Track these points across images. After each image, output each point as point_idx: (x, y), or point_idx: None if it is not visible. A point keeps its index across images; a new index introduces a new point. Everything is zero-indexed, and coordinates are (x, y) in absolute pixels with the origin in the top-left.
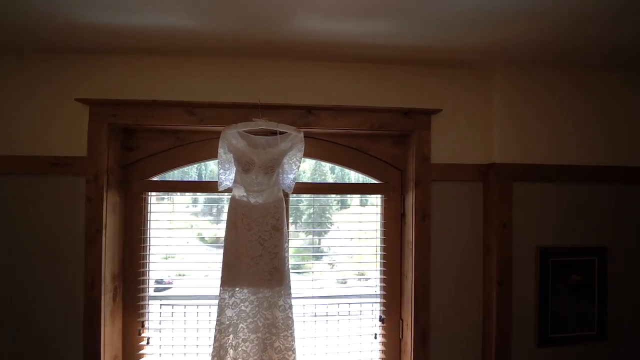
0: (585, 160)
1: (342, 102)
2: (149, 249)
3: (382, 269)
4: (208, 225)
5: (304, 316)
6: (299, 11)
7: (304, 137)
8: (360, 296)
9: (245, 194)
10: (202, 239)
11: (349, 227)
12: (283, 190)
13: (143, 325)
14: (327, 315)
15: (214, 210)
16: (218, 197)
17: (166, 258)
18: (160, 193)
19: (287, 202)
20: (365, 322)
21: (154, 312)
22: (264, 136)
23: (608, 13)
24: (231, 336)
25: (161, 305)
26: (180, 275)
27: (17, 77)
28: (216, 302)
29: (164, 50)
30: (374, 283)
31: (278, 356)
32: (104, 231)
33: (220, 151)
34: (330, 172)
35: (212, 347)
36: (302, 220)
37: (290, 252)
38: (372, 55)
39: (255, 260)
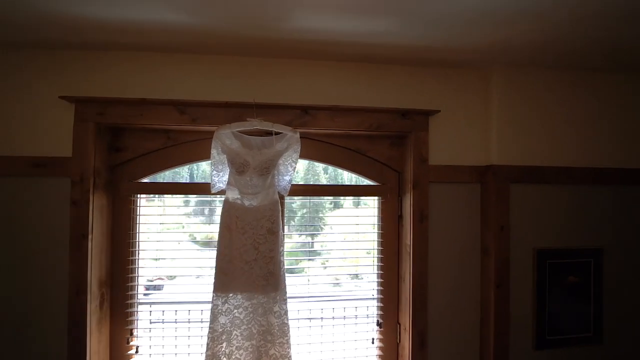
0: (583, 161)
1: (340, 102)
2: (138, 254)
3: (379, 272)
4: (200, 226)
5: (298, 321)
6: (298, 8)
7: (300, 137)
8: (357, 299)
9: (239, 196)
10: (194, 240)
11: (346, 230)
12: (278, 193)
13: (132, 334)
14: (322, 319)
15: (206, 211)
16: (211, 198)
17: (157, 260)
18: (150, 195)
19: (282, 204)
20: (363, 326)
21: (144, 320)
22: (258, 137)
23: (609, 14)
24: (224, 344)
25: (151, 312)
26: (171, 278)
27: None
28: (209, 306)
29: (155, 46)
30: (371, 286)
31: None
32: (90, 236)
33: (214, 152)
34: (324, 173)
35: (204, 355)
36: (295, 221)
37: (285, 254)
38: (371, 55)
39: (250, 265)
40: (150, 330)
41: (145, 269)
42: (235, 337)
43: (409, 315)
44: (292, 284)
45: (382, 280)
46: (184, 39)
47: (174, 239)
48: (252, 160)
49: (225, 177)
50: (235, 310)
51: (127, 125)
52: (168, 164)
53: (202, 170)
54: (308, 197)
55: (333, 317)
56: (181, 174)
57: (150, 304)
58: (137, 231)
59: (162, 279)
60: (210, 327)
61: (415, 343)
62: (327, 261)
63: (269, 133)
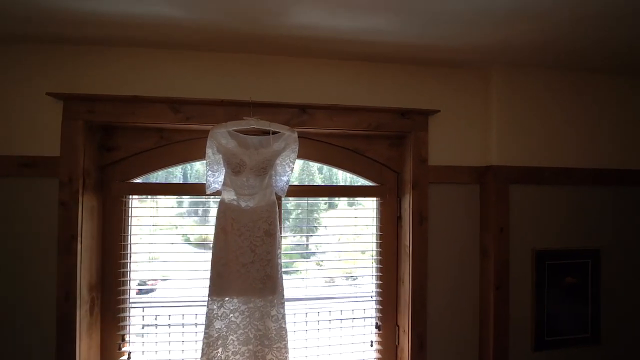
0: (582, 162)
1: (338, 101)
2: (130, 257)
3: (378, 274)
4: (194, 226)
5: (295, 324)
6: (297, 4)
7: (298, 137)
8: (355, 301)
9: (235, 197)
10: (188, 241)
11: (344, 231)
12: (276, 194)
13: (124, 339)
14: (319, 322)
15: (200, 211)
16: (205, 198)
17: (150, 260)
18: (143, 196)
19: (279, 205)
20: (361, 329)
21: (136, 325)
22: (255, 136)
23: (609, 14)
24: (220, 349)
25: (143, 316)
26: (164, 279)
27: None
28: (203, 309)
29: (147, 41)
30: (369, 289)
31: None
32: (79, 238)
33: (209, 151)
34: (319, 172)
35: None
36: (291, 222)
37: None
38: (371, 54)
39: (247, 268)
40: (142, 336)
41: (138, 272)
42: (232, 342)
43: (408, 317)
44: (289, 287)
45: (380, 282)
46: (179, 35)
47: (167, 241)
48: (248, 160)
49: (221, 178)
50: (232, 315)
51: (118, 124)
52: (161, 163)
53: (195, 170)
54: (305, 198)
55: (330, 320)
56: (174, 174)
57: (143, 307)
58: (129, 233)
59: (155, 281)
60: (205, 332)
61: (414, 345)
62: (326, 265)
63: (266, 132)
